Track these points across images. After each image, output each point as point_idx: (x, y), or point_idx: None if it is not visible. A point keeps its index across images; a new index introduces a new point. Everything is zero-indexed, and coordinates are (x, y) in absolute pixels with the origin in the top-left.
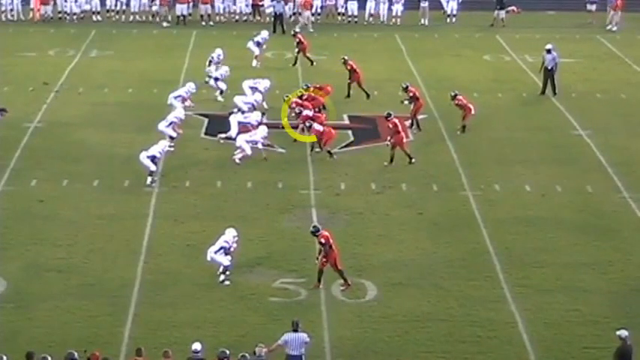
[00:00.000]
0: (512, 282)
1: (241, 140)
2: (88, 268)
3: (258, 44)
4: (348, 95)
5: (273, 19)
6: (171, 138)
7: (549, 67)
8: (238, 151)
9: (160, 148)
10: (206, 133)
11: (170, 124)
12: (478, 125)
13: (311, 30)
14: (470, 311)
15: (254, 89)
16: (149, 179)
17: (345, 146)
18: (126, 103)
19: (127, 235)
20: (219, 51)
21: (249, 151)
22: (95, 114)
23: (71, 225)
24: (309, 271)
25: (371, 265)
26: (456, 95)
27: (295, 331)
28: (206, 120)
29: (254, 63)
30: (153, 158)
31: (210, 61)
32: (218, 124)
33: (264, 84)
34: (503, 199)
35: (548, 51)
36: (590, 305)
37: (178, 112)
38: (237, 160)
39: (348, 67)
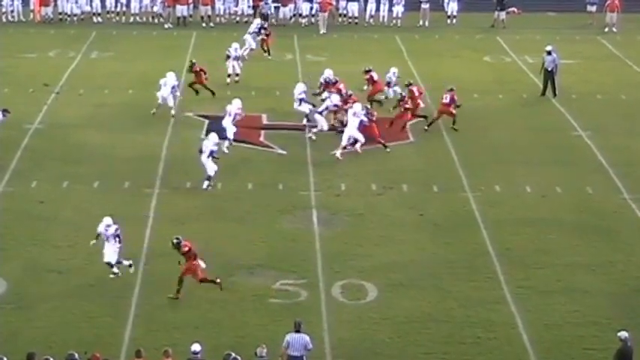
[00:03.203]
0: (513, 283)
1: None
2: (88, 269)
3: (256, 34)
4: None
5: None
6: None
7: (549, 69)
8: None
9: (211, 143)
10: (207, 135)
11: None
12: (478, 126)
13: (323, 31)
14: (470, 312)
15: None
16: (205, 183)
17: (346, 147)
18: (126, 105)
19: (127, 236)
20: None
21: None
22: (96, 115)
23: (71, 226)
24: (309, 272)
25: (371, 266)
26: (409, 84)
27: (298, 331)
28: (207, 121)
29: (245, 53)
30: (211, 154)
31: (229, 56)
32: (219, 125)
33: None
34: (504, 200)
35: (549, 52)
36: (591, 306)
37: (236, 103)
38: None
39: (367, 77)
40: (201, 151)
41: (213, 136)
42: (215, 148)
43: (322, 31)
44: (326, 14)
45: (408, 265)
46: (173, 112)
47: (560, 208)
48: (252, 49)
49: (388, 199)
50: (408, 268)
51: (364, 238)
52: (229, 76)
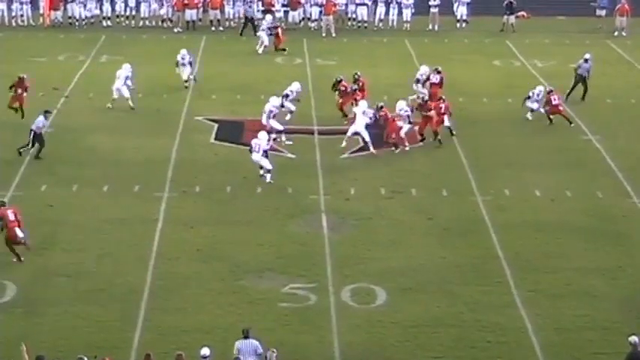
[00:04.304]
0: (523, 287)
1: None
2: (97, 273)
3: (270, 31)
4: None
5: (243, 22)
6: (279, 131)
7: (583, 75)
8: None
9: (264, 142)
10: (216, 138)
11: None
12: (488, 130)
13: (324, 34)
14: (480, 316)
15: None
16: (268, 176)
17: (356, 151)
18: (136, 108)
19: (136, 240)
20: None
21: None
22: (105, 119)
23: (81, 230)
24: (318, 276)
25: (380, 270)
26: (381, 107)
27: (246, 337)
28: (216, 125)
29: (260, 50)
30: (265, 153)
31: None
32: (228, 129)
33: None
34: (513, 204)
35: (586, 60)
36: (600, 310)
37: (274, 101)
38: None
39: (360, 83)
40: (251, 150)
41: (263, 135)
42: (268, 146)
43: (324, 34)
44: (330, 17)
45: (417, 269)
46: (131, 103)
47: (569, 212)
48: (266, 46)
49: (397, 203)
50: (417, 272)
51: (373, 242)
52: (186, 81)
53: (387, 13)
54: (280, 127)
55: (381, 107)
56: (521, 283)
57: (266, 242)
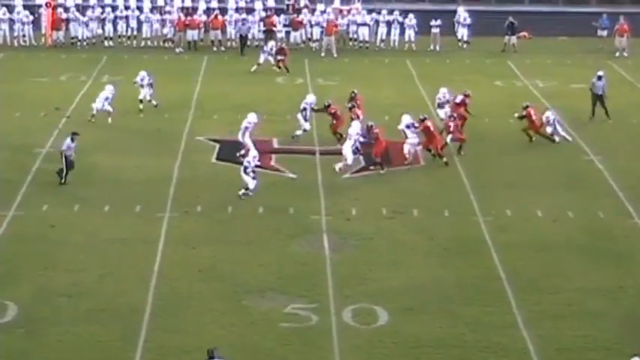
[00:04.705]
0: (524, 307)
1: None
2: (98, 293)
3: (270, 53)
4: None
5: (239, 41)
6: (246, 151)
7: (599, 93)
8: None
9: (249, 158)
10: (217, 158)
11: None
12: (489, 150)
13: (335, 55)
14: (481, 337)
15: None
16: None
17: (357, 171)
18: (137, 128)
19: (138, 260)
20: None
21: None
22: (107, 139)
23: (82, 250)
24: (320, 296)
25: (382, 291)
26: (371, 127)
27: (211, 358)
28: (217, 145)
29: (253, 68)
30: (245, 169)
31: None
32: (229, 149)
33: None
34: (515, 224)
35: (599, 77)
36: (602, 331)
37: (250, 117)
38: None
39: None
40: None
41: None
42: (247, 163)
43: (323, 54)
44: (332, 38)
45: (418, 290)
46: (109, 120)
47: (571, 233)
48: (259, 64)
49: (399, 223)
50: (418, 293)
51: (375, 263)
52: (141, 101)
53: (388, 33)
54: (251, 147)
55: (371, 126)
56: (522, 304)
57: (267, 262)
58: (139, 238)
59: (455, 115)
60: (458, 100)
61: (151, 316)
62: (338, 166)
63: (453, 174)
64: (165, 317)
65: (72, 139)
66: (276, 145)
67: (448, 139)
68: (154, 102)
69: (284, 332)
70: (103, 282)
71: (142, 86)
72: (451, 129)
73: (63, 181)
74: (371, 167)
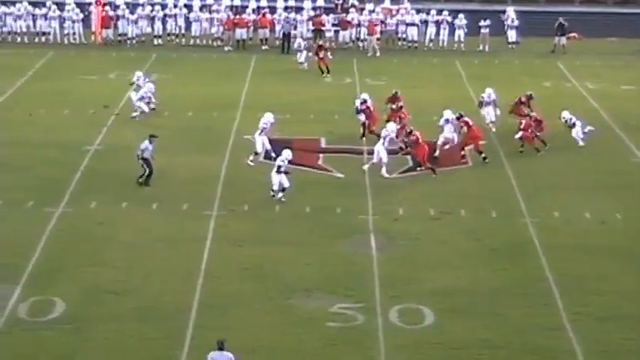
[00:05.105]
0: (571, 310)
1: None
2: (145, 291)
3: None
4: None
5: (282, 39)
6: (256, 153)
7: None
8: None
9: (282, 157)
10: (265, 157)
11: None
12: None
13: (378, 55)
14: (527, 339)
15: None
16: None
17: (404, 172)
18: (185, 127)
19: (185, 258)
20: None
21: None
22: None
23: (129, 247)
24: (366, 296)
25: (428, 291)
26: (410, 132)
27: (221, 349)
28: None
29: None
30: (279, 168)
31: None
32: (277, 148)
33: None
34: (563, 226)
35: None
36: None
37: (267, 117)
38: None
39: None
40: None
41: (286, 153)
42: (281, 162)
43: (369, 54)
44: (374, 37)
45: (464, 291)
46: (134, 113)
47: (619, 235)
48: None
49: (445, 224)
50: (464, 294)
51: (421, 263)
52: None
53: (437, 33)
54: (260, 149)
55: (410, 131)
56: (569, 306)
57: (314, 261)
58: (186, 237)
59: (532, 114)
60: (523, 99)
61: (197, 314)
62: (366, 166)
63: (500, 175)
64: (211, 315)
65: (150, 141)
66: (323, 145)
67: (517, 135)
68: (150, 106)
69: (330, 332)
70: (149, 280)
71: (139, 85)
72: (522, 126)
73: (142, 180)
74: (418, 169)
